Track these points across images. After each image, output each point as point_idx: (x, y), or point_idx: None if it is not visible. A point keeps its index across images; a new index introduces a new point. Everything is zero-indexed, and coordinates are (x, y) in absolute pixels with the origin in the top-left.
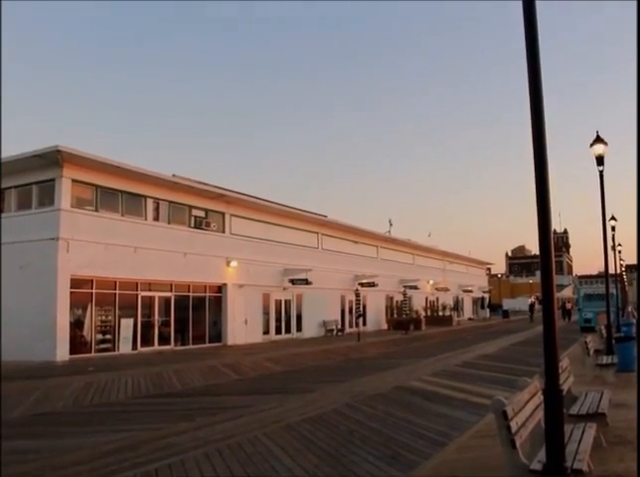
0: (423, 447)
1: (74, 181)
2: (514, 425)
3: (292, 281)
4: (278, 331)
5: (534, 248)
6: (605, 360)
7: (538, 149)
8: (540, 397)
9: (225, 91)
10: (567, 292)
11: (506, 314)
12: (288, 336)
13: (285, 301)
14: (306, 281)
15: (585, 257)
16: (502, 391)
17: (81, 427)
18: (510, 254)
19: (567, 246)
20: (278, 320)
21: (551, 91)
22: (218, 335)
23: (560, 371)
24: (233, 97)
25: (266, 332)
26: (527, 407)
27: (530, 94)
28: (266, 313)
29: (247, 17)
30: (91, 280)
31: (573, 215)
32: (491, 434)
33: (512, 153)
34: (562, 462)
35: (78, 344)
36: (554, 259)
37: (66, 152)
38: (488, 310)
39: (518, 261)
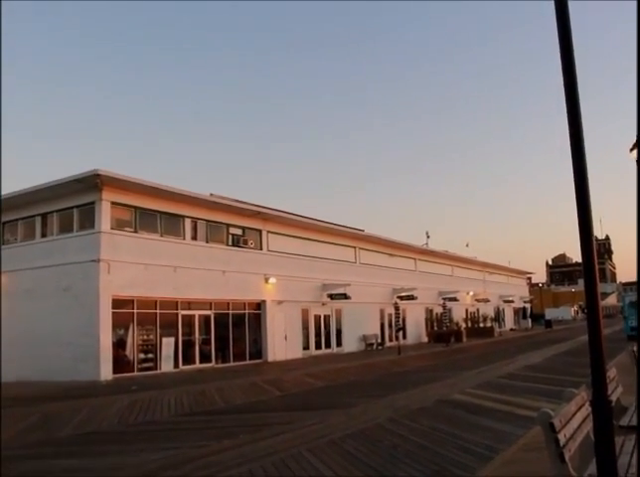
0: (469, 462)
1: (113, 203)
2: (562, 438)
3: (331, 296)
4: (318, 346)
5: (575, 256)
6: None
7: (576, 155)
8: (587, 409)
9: (259, 110)
10: (612, 300)
11: (549, 324)
12: (328, 351)
13: (324, 316)
14: (345, 296)
15: (629, 264)
16: (547, 402)
17: (127, 446)
18: (550, 263)
19: (610, 253)
20: (318, 335)
21: (587, 96)
22: (258, 352)
23: (607, 381)
24: (267, 116)
25: (306, 347)
26: (574, 420)
27: (566, 100)
28: (306, 329)
29: (284, 34)
30: (133, 300)
31: (615, 221)
32: (538, 448)
33: (550, 160)
34: (614, 476)
35: (121, 363)
36: (597, 266)
37: (104, 176)
38: (530, 320)
39: (559, 270)
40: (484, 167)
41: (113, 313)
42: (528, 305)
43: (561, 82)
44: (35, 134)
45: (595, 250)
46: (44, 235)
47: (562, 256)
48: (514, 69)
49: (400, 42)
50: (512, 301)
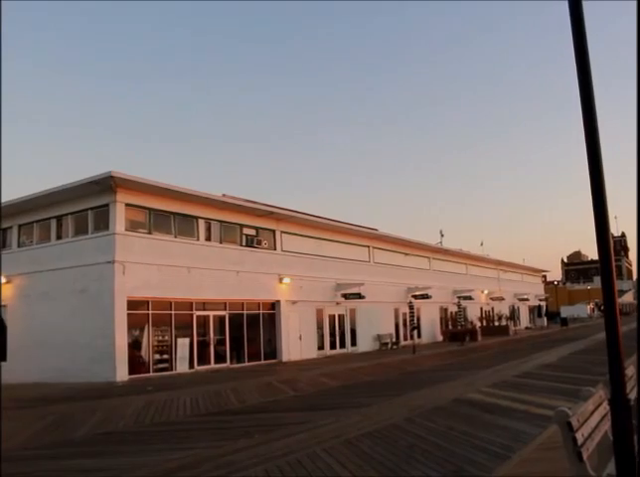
0: (486, 461)
1: (127, 205)
2: (580, 437)
3: (345, 296)
4: (333, 346)
5: (590, 254)
6: None
7: (592, 152)
8: (606, 408)
9: (270, 110)
10: (628, 298)
11: (564, 322)
12: (343, 351)
13: (339, 316)
14: (359, 295)
15: None
16: (564, 401)
17: (143, 446)
18: (566, 261)
19: (626, 250)
20: (332, 335)
21: (603, 92)
22: (272, 352)
23: (626, 379)
24: (278, 116)
25: (321, 347)
26: (592, 418)
27: (581, 97)
28: (320, 328)
29: (301, 37)
30: (147, 301)
31: (631, 218)
32: (555, 447)
33: (565, 158)
34: (634, 475)
35: (136, 364)
36: (614, 263)
37: (118, 177)
38: (545, 318)
39: (574, 267)
40: (498, 165)
41: (129, 314)
42: (543, 303)
43: (576, 79)
44: (49, 137)
45: (612, 248)
46: (59, 237)
47: (578, 254)
48: (527, 65)
49: (408, 40)
50: (527, 299)
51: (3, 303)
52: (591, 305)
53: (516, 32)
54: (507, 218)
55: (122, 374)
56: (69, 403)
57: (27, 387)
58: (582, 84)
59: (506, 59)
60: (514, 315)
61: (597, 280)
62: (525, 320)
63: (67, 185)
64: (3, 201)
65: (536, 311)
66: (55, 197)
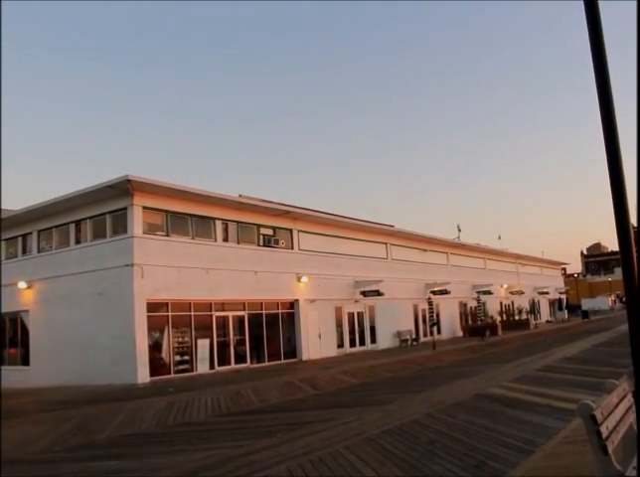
0: (509, 456)
1: (144, 208)
2: (604, 430)
3: (364, 293)
4: (352, 344)
5: (610, 245)
6: None
7: (610, 141)
8: (630, 400)
9: (284, 110)
10: None
11: (585, 314)
12: (363, 348)
13: (358, 313)
14: (377, 292)
15: None
16: (587, 394)
17: (166, 447)
18: (585, 253)
19: None
20: (352, 333)
21: (619, 84)
22: (292, 351)
23: None
24: (292, 115)
25: (341, 345)
26: (617, 411)
27: (598, 89)
28: (339, 326)
29: (316, 35)
30: (167, 303)
31: None
32: (579, 440)
33: (583, 148)
34: None
35: (157, 366)
36: (635, 254)
37: (135, 181)
38: (566, 311)
39: (594, 259)
40: (516, 158)
41: (148, 316)
42: (563, 296)
43: (593, 72)
44: (63, 142)
45: (632, 238)
46: (78, 241)
47: (598, 246)
48: (544, 58)
49: (420, 35)
50: (547, 293)
51: (25, 308)
52: (613, 297)
53: (535, 28)
54: (525, 211)
55: (144, 375)
56: (91, 406)
57: (50, 390)
58: (599, 77)
59: (525, 52)
60: (534, 309)
61: (618, 272)
62: (545, 313)
63: (84, 190)
64: (22, 207)
65: (556, 304)
66: (73, 202)
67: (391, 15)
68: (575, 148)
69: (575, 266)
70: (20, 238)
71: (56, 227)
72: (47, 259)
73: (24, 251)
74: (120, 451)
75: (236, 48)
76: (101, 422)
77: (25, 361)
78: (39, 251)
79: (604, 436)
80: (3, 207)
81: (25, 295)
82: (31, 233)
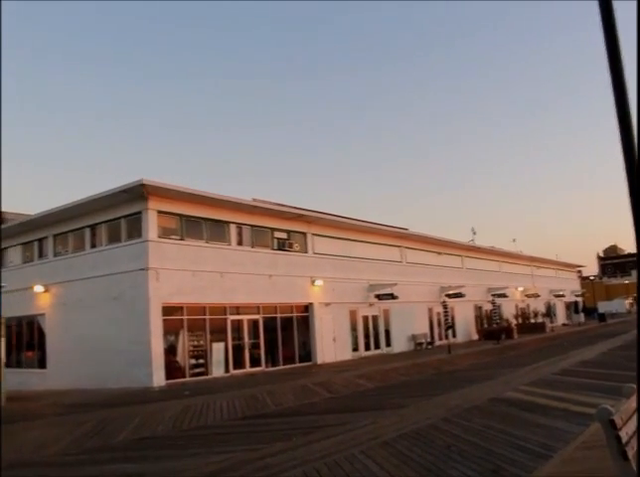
0: (526, 460)
1: (159, 212)
2: (624, 435)
3: (378, 297)
4: (367, 347)
5: (627, 247)
6: None
7: (626, 143)
8: None
9: (298, 113)
10: None
11: (602, 317)
12: (378, 352)
13: (372, 317)
14: (392, 296)
15: None
16: (605, 399)
17: (182, 450)
18: (602, 255)
19: None
20: (367, 336)
21: (634, 84)
22: (307, 354)
23: None
24: (306, 119)
25: (355, 349)
26: (636, 416)
27: (613, 88)
28: (354, 330)
29: (331, 39)
30: (182, 307)
31: None
32: (598, 446)
33: (598, 149)
34: None
35: (172, 369)
36: None
37: (150, 185)
38: (582, 314)
39: (611, 262)
40: (530, 160)
41: (164, 320)
42: (580, 299)
43: (608, 69)
44: (79, 147)
45: None
46: (93, 245)
47: (614, 248)
48: (558, 57)
49: (433, 32)
50: (563, 295)
51: (42, 311)
52: (630, 300)
53: (552, 29)
54: (540, 213)
55: (159, 379)
56: (108, 409)
57: (66, 393)
58: (614, 78)
59: (541, 52)
60: (550, 312)
61: (635, 274)
62: (561, 316)
63: (99, 194)
64: (38, 212)
65: (572, 307)
66: (88, 206)
67: (410, 17)
68: (592, 150)
69: (592, 269)
70: (36, 243)
71: (71, 231)
72: (63, 263)
73: (40, 256)
74: (137, 454)
75: (252, 51)
76: (118, 425)
77: (42, 364)
78: (55, 256)
79: (624, 441)
80: (20, 211)
81: (41, 299)
82: (47, 237)
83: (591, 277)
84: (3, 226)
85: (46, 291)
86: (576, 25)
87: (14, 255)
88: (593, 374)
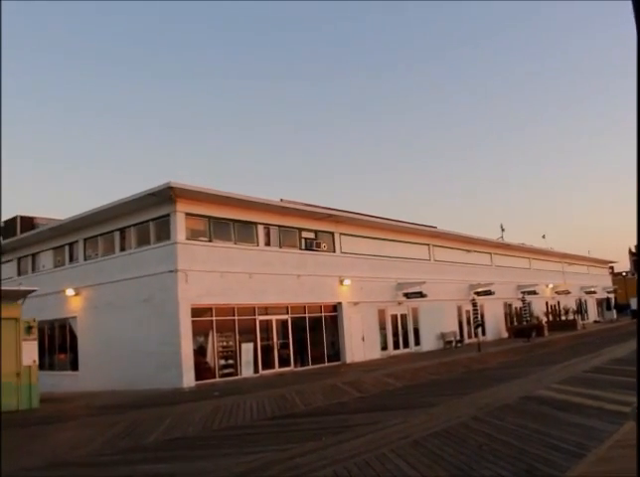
0: (560, 460)
1: (187, 214)
2: None
3: (407, 295)
4: (396, 346)
5: None
6: None
7: None
8: None
9: (325, 113)
10: None
11: (635, 314)
12: (407, 350)
13: (401, 316)
14: (421, 294)
15: None
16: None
17: (213, 450)
18: (633, 250)
19: None
20: (395, 335)
21: None
22: (336, 354)
23: None
24: (332, 118)
25: (384, 348)
26: None
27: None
28: (383, 329)
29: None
30: (211, 308)
31: None
32: (632, 444)
33: (628, 143)
34: None
35: (202, 370)
36: None
37: (177, 188)
38: (615, 311)
39: (637, 258)
40: (560, 155)
41: (193, 321)
42: (612, 295)
43: (637, 61)
44: (106, 151)
45: None
46: (123, 248)
47: None
48: (591, 51)
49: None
50: (594, 292)
51: (73, 314)
52: None
53: (584, 28)
54: (570, 208)
55: (189, 380)
56: (139, 410)
57: (98, 394)
58: None
59: (567, 48)
60: (581, 309)
61: None
62: (593, 314)
63: (128, 198)
64: (68, 216)
65: (604, 304)
66: (117, 210)
67: (446, 12)
68: (622, 143)
69: (624, 265)
70: (67, 247)
71: (101, 235)
72: (93, 267)
73: (71, 260)
74: (168, 454)
75: (275, 51)
76: (149, 426)
77: (74, 366)
78: (85, 259)
79: None
80: (51, 217)
81: (73, 302)
82: (77, 241)
83: (624, 273)
84: (35, 231)
85: (77, 294)
86: (612, 19)
87: (46, 260)
88: (627, 372)
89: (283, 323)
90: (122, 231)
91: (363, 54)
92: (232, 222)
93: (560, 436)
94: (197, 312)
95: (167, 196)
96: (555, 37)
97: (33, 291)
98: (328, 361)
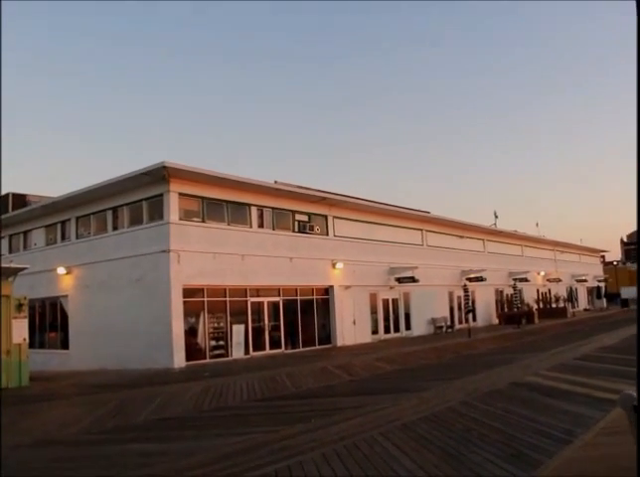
0: (547, 445)
1: (180, 194)
2: None
3: (399, 280)
4: (387, 330)
5: None
6: None
7: None
8: None
9: (318, 96)
10: None
11: (625, 303)
12: (397, 335)
13: (393, 300)
14: (413, 279)
15: None
16: (627, 384)
17: (202, 431)
18: (625, 240)
19: None
20: (386, 319)
21: None
22: (327, 337)
23: None
24: (326, 101)
25: (375, 332)
26: None
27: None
28: (374, 313)
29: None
30: (203, 289)
31: None
32: (619, 431)
33: (621, 132)
34: None
35: (193, 351)
36: None
37: (171, 168)
38: (605, 300)
39: (635, 247)
40: (553, 143)
41: (184, 302)
42: (602, 284)
43: (636, 57)
44: (99, 129)
45: None
46: (115, 228)
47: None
48: (587, 48)
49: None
50: (585, 280)
51: (64, 293)
52: None
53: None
54: (563, 197)
55: (180, 360)
56: (129, 390)
57: (88, 373)
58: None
59: (568, 42)
60: (572, 297)
61: None
62: (583, 302)
63: (121, 177)
64: (61, 194)
65: (595, 292)
66: (110, 189)
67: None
68: (616, 132)
69: (615, 254)
70: (59, 225)
71: (93, 213)
72: (85, 246)
73: (63, 238)
74: (157, 434)
75: (268, 32)
76: (139, 406)
77: (64, 345)
78: (77, 238)
79: None
80: (44, 194)
81: (64, 281)
82: (69, 219)
83: (615, 262)
84: (27, 208)
85: (68, 273)
86: (613, 7)
87: (37, 238)
88: (615, 359)
89: (275, 305)
90: (115, 210)
91: (356, 34)
92: (225, 203)
93: (548, 422)
94: (188, 293)
95: (161, 175)
96: (556, 23)
97: (24, 269)
98: (319, 344)
